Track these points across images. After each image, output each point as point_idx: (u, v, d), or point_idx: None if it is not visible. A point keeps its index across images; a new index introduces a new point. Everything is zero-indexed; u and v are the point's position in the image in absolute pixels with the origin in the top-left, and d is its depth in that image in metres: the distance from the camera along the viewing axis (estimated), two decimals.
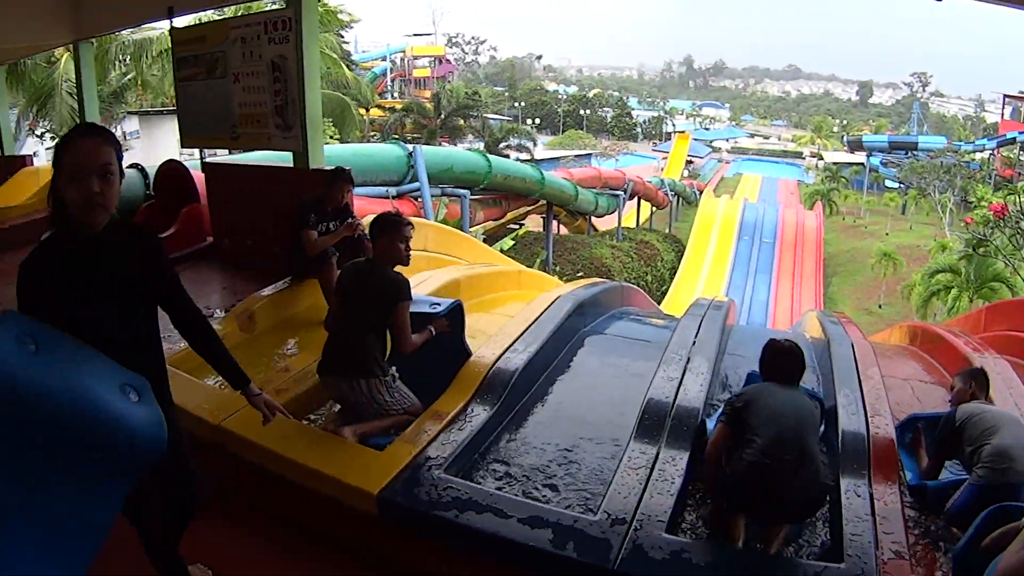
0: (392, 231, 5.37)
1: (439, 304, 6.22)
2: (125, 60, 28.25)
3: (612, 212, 45.36)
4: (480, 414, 5.63)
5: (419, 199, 20.94)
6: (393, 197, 20.24)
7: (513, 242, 22.15)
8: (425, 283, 8.13)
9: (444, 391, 5.90)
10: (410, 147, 20.87)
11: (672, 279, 46.53)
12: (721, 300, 9.73)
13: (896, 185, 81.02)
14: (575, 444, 5.65)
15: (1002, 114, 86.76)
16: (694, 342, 7.11)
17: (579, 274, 34.33)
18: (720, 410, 4.96)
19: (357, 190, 18.49)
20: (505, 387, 5.98)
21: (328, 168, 8.70)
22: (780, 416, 4.43)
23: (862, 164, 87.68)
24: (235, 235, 10.69)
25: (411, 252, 5.54)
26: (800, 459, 4.24)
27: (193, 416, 5.27)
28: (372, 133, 61.18)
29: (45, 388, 2.48)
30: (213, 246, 11.08)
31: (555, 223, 40.91)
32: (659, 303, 40.09)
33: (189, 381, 5.78)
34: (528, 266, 31.30)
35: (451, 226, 18.47)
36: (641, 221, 57.53)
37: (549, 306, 7.77)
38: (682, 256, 50.86)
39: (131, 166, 12.75)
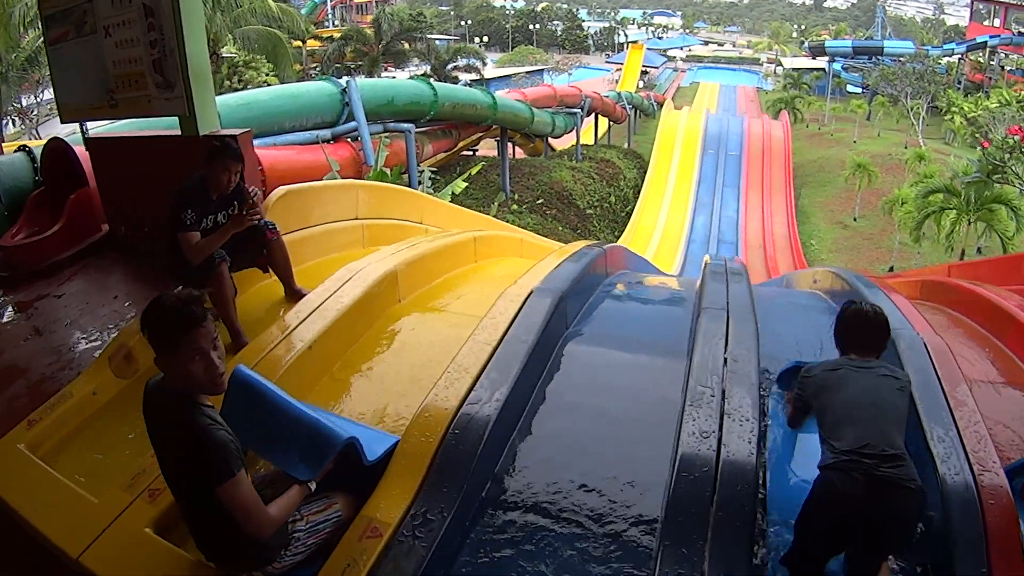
0: (171, 321, 3.18)
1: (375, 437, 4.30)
2: (37, 24, 26.04)
3: (570, 131, 43.32)
4: (435, 521, 3.84)
5: (357, 140, 18.80)
6: (327, 141, 18.00)
7: (466, 183, 20.27)
8: (336, 297, 6.05)
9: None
10: (343, 82, 18.64)
11: (636, 198, 44.74)
12: (737, 265, 8.10)
13: (859, 90, 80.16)
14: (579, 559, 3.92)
15: (970, 16, 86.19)
16: (725, 360, 5.18)
17: (539, 200, 32.73)
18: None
19: (285, 137, 16.66)
20: (468, 467, 4.17)
21: (224, 134, 6.84)
22: (860, 409, 3.79)
23: (823, 70, 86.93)
24: (131, 221, 8.42)
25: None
26: (891, 463, 3.54)
27: None
28: (313, 66, 59.14)
29: None
30: (110, 236, 8.98)
31: (510, 146, 39.31)
32: (624, 225, 38.97)
33: None
34: (488, 202, 29.70)
35: (394, 175, 16.64)
36: (599, 137, 55.52)
37: (519, 311, 5.79)
38: (645, 173, 48.92)
39: (19, 148, 10.36)
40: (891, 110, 67.29)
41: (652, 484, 4.27)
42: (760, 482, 4.22)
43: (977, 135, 55.60)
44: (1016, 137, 13.72)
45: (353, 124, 18.62)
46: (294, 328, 5.55)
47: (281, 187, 7.63)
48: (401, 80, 24.91)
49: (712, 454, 4.18)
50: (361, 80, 20.19)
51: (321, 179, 14.25)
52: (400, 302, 6.71)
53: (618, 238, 37.09)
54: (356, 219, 8.87)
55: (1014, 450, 4.87)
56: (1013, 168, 14.59)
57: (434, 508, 3.90)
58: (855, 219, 46.04)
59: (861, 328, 4.19)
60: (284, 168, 14.77)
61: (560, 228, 32.28)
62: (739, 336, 5.52)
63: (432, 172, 24.08)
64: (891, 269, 36.49)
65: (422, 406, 4.55)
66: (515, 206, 31.32)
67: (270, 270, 6.58)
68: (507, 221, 27.95)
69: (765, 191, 48.94)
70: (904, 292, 8.31)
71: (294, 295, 6.44)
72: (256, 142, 15.22)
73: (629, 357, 6.20)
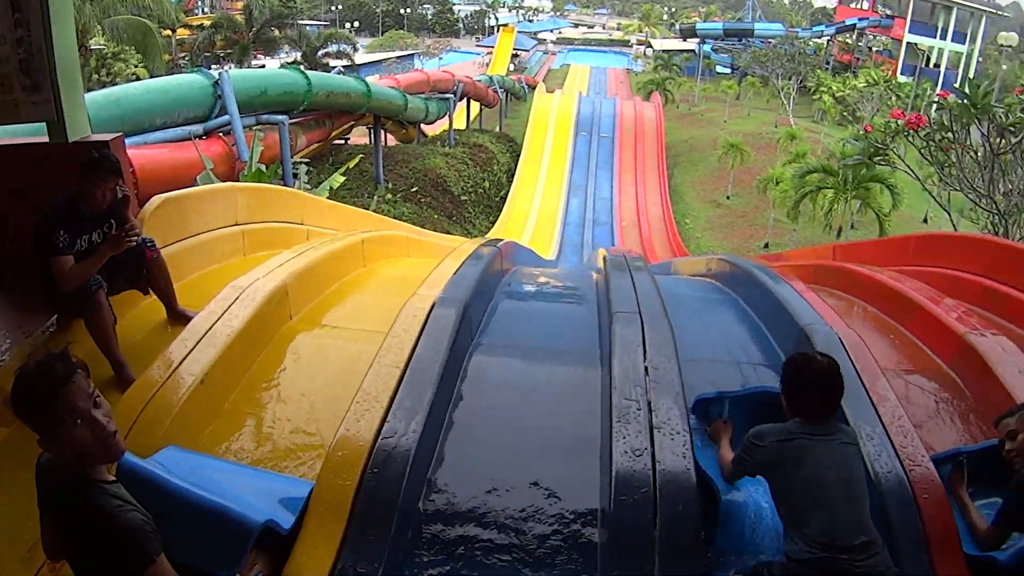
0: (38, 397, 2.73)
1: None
2: None
3: (443, 117, 43.08)
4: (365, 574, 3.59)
5: (230, 134, 18.05)
6: (199, 136, 17.29)
7: (344, 177, 19.83)
8: (224, 320, 5.48)
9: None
10: (216, 74, 17.90)
11: (510, 182, 44.64)
12: (636, 256, 7.98)
13: (729, 71, 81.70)
14: None
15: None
16: (646, 369, 4.94)
17: (413, 189, 32.35)
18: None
19: (155, 135, 15.93)
20: (391, 510, 3.89)
21: (95, 140, 6.35)
22: (827, 490, 3.54)
23: (693, 51, 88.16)
24: None
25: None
26: (867, 553, 3.41)
27: None
28: (182, 55, 57.52)
29: None
30: None
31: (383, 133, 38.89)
32: (498, 210, 38.82)
33: None
34: (362, 193, 29.19)
35: (270, 173, 16.13)
36: (471, 121, 55.39)
37: (424, 327, 5.45)
38: (518, 157, 48.81)
39: None
40: (761, 90, 68.97)
41: (589, 508, 4.14)
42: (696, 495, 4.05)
43: (846, 114, 57.39)
44: (900, 121, 13.96)
45: (226, 118, 17.85)
46: (182, 360, 5.03)
47: (157, 196, 7.07)
48: (274, 70, 24.12)
49: (649, 473, 4.02)
50: (234, 71, 19.47)
51: (195, 178, 13.70)
52: (292, 319, 6.34)
53: (493, 223, 37.03)
54: (236, 224, 8.41)
55: (936, 439, 4.97)
56: (895, 151, 14.89)
57: (361, 560, 3.65)
58: (728, 197, 46.78)
59: (818, 389, 3.78)
60: (157, 168, 14.19)
61: (436, 216, 31.96)
62: (656, 342, 5.33)
63: (306, 164, 23.54)
64: (766, 246, 37.18)
65: (334, 444, 4.23)
66: (389, 196, 30.88)
67: (150, 291, 6.05)
68: (381, 212, 27.59)
69: (638, 172, 49.39)
70: (796, 276, 8.34)
71: (178, 317, 5.99)
72: (126, 140, 14.66)
73: (541, 369, 6.03)
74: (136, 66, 35.48)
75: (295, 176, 18.43)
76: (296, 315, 6.39)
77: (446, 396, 5.11)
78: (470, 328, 6.10)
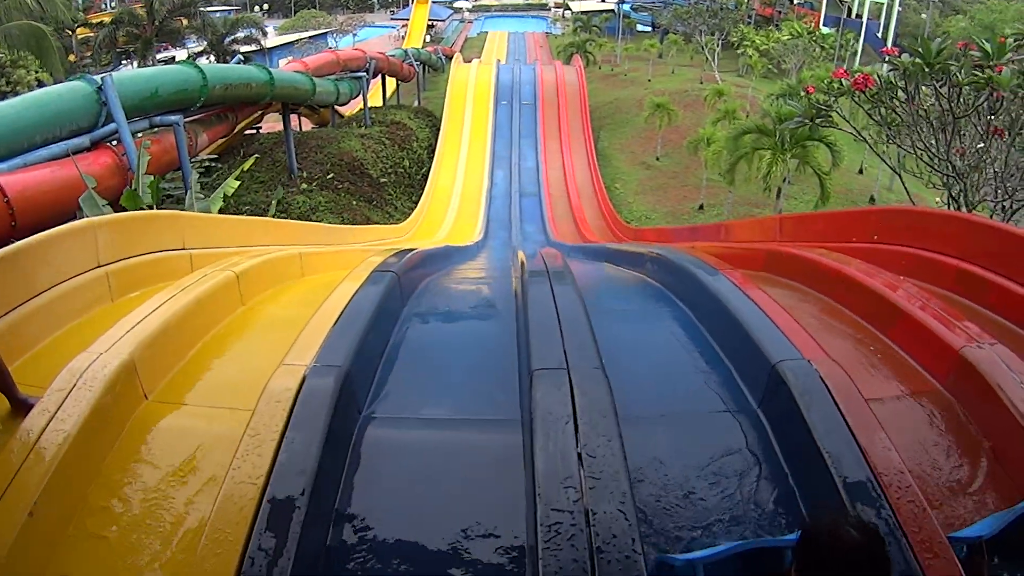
0: None
1: None
2: None
3: (357, 96, 41.65)
4: None
5: (120, 144, 16.60)
6: (87, 149, 15.83)
7: (239, 182, 18.72)
8: (58, 419, 4.52)
9: None
10: (98, 79, 16.47)
11: (432, 159, 43.41)
12: (555, 261, 7.04)
13: (650, 29, 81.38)
14: None
15: None
16: (579, 456, 3.98)
17: (329, 175, 31.18)
18: None
19: (37, 153, 14.60)
20: None
21: None
22: None
23: (612, 11, 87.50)
24: None
25: None
26: None
27: None
28: (87, 55, 55.51)
29: None
30: None
31: (297, 119, 37.62)
32: (420, 189, 37.78)
33: None
34: (275, 184, 28.01)
35: (152, 186, 14.93)
36: (388, 98, 53.89)
37: (292, 412, 4.51)
38: (438, 132, 47.58)
39: None
40: (684, 47, 68.91)
41: None
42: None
43: (771, 67, 57.28)
44: (845, 81, 13.33)
45: (114, 125, 16.43)
46: (8, 485, 4.08)
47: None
48: (164, 68, 22.60)
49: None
50: (118, 74, 17.97)
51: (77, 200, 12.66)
52: (147, 398, 5.32)
53: (416, 203, 35.82)
54: (98, 267, 7.39)
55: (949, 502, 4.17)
56: (839, 112, 14.30)
57: None
58: (658, 159, 46.10)
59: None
60: (36, 193, 12.92)
61: (354, 202, 30.80)
62: (590, 409, 4.38)
63: (210, 162, 22.18)
64: (701, 208, 36.68)
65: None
66: (304, 184, 29.62)
67: None
68: (296, 203, 26.51)
69: (563, 138, 48.34)
70: (744, 266, 7.50)
71: (19, 405, 5.00)
72: (3, 165, 13.42)
73: (447, 457, 4.96)
74: (37, 72, 33.97)
75: (187, 187, 17.18)
76: (152, 393, 5.37)
77: (320, 513, 4.17)
78: (354, 401, 5.12)
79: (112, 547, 4.11)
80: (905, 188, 15.67)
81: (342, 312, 5.93)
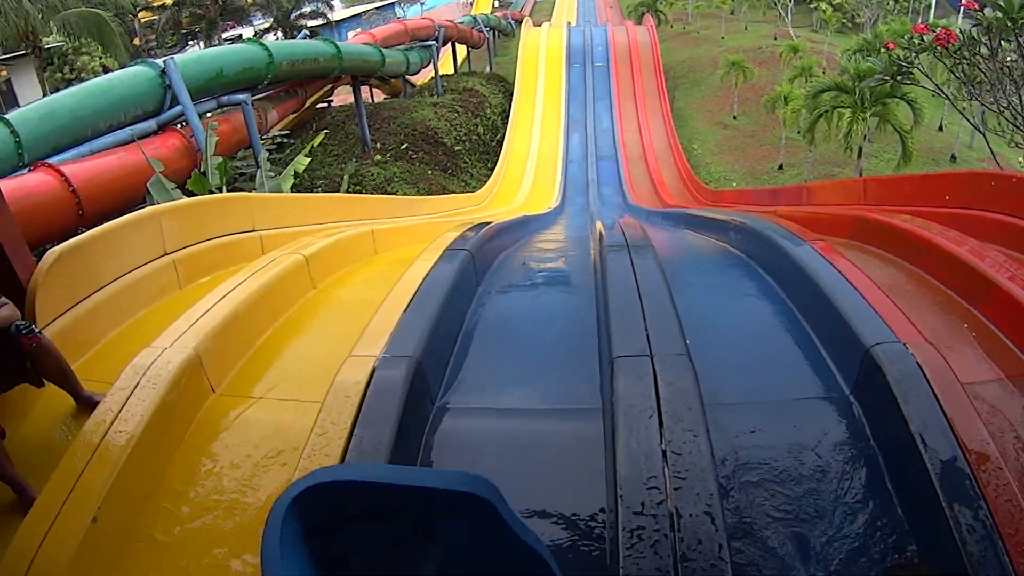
0: None
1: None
2: None
3: (427, 65, 41.44)
4: None
5: (187, 126, 16.58)
6: (154, 132, 15.93)
7: (309, 159, 18.60)
8: (121, 419, 4.33)
9: None
10: (160, 63, 16.38)
11: (506, 125, 42.93)
12: (635, 232, 6.67)
13: None
14: None
15: None
16: (664, 454, 3.61)
17: (403, 146, 30.98)
18: None
19: (103, 140, 14.57)
20: None
21: None
22: None
23: None
24: None
25: None
26: None
27: None
28: (151, 38, 56.02)
29: None
30: None
31: (369, 90, 37.49)
32: (496, 155, 37.42)
33: None
34: (348, 158, 27.87)
35: (220, 168, 14.82)
36: (459, 65, 53.67)
37: (359, 413, 4.17)
38: (511, 97, 47.06)
39: None
40: (757, 3, 67.05)
41: None
42: None
43: (845, 21, 55.68)
44: (926, 36, 12.74)
45: (180, 108, 16.42)
46: (72, 489, 3.91)
47: (50, 251, 5.86)
48: (229, 47, 22.55)
49: None
50: (182, 56, 17.82)
51: (146, 184, 12.60)
52: (215, 392, 5.12)
53: (491, 170, 35.33)
54: (165, 255, 7.25)
55: None
56: (920, 68, 13.67)
57: None
58: (735, 117, 44.98)
59: None
60: (104, 181, 12.89)
61: (429, 172, 30.56)
62: (676, 401, 3.97)
63: (282, 138, 22.09)
64: (780, 167, 35.82)
65: None
66: (378, 156, 29.44)
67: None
68: (371, 175, 26.32)
69: (638, 99, 47.34)
70: (830, 232, 7.03)
71: (85, 404, 4.84)
72: (69, 153, 13.40)
73: (525, 446, 4.54)
74: (101, 58, 34.27)
75: (257, 165, 17.04)
76: (220, 386, 5.16)
77: None
78: (427, 391, 4.79)
79: (174, 553, 3.92)
80: (989, 146, 15.01)
81: (413, 296, 5.59)
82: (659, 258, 6.32)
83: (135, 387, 4.56)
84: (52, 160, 12.68)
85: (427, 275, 6.13)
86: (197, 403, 4.90)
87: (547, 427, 4.72)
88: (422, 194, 26.06)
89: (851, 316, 4.96)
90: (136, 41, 48.27)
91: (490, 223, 9.44)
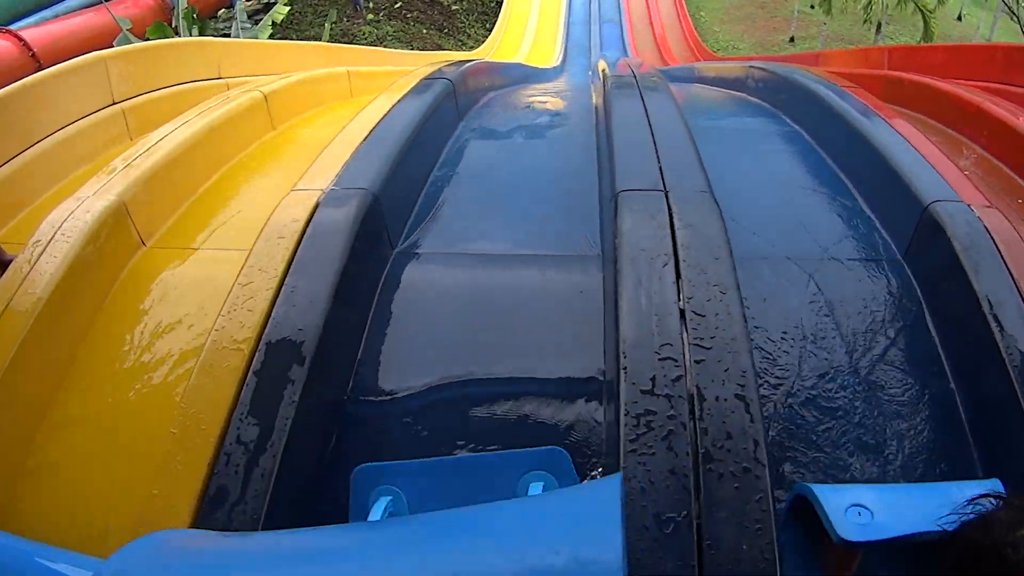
0: None
1: None
2: None
3: None
4: None
5: None
6: None
7: (288, 7, 17.63)
8: (29, 280, 3.61)
9: None
10: None
11: None
12: (644, 70, 5.92)
13: None
14: None
15: None
16: (682, 312, 2.82)
17: (397, 4, 30.16)
18: None
19: (68, 2, 13.79)
20: None
21: None
22: None
23: None
24: None
25: None
26: None
27: None
28: None
29: None
30: None
31: None
32: (495, 16, 36.10)
33: None
34: (344, 19, 26.84)
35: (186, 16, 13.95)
36: None
37: (292, 258, 3.42)
38: None
39: None
40: None
41: None
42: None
43: None
44: None
45: None
46: None
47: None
48: None
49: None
50: None
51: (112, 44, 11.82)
52: (145, 245, 4.36)
53: (490, 30, 33.96)
54: (113, 103, 6.51)
55: None
56: None
57: None
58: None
59: None
60: (68, 45, 12.10)
61: (424, 31, 29.50)
62: (697, 249, 3.13)
63: None
64: (791, 40, 34.50)
65: None
66: (371, 15, 28.35)
67: None
68: (363, 33, 25.36)
69: None
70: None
71: (5, 268, 4.20)
72: (34, 17, 12.67)
73: (500, 297, 3.76)
74: None
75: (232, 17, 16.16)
76: (151, 238, 4.40)
77: (331, 379, 3.23)
78: (384, 233, 4.03)
79: (85, 433, 3.28)
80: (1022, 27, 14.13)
81: (376, 126, 4.87)
82: (675, 99, 5.57)
83: (49, 242, 3.85)
84: (14, 26, 11.98)
85: (396, 103, 5.39)
86: (123, 258, 4.17)
87: (532, 275, 3.93)
88: None
89: (903, 169, 4.18)
90: None
91: (480, 60, 8.68)
